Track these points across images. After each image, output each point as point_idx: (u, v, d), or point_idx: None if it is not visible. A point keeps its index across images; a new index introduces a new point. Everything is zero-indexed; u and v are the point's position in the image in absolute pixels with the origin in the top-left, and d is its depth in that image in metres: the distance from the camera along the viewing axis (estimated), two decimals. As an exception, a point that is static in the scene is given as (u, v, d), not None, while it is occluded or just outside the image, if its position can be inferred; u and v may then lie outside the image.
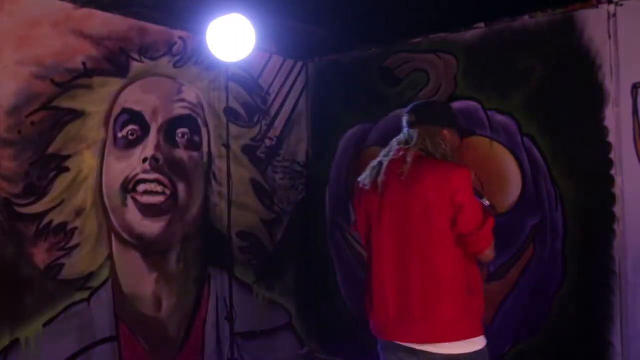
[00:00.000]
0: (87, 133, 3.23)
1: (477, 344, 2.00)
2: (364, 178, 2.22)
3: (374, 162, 2.23)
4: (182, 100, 3.74)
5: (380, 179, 2.13)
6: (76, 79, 3.18)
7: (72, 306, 3.12)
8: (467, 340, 1.98)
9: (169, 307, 3.59)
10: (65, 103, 3.13)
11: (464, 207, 1.96)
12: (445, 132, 2.17)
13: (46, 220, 3.03)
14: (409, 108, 2.27)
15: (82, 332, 3.16)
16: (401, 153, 2.13)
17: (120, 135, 3.39)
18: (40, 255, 3.00)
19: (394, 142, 2.22)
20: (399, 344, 2.04)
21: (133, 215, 3.44)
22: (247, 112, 4.16)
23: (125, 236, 3.40)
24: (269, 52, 4.29)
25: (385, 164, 2.16)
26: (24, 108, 2.95)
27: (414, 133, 2.16)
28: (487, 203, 2.16)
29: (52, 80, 3.07)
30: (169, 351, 3.61)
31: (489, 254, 2.04)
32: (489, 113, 3.59)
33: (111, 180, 3.34)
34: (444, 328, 1.97)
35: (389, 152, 2.20)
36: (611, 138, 3.12)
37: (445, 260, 2.00)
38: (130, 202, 3.42)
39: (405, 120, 2.22)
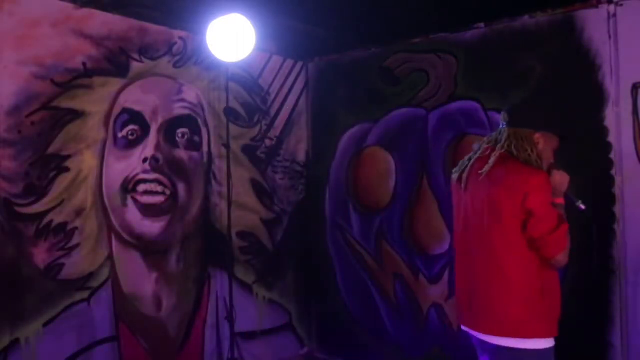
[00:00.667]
0: (87, 133, 3.23)
1: (543, 343, 2.07)
2: (455, 171, 2.32)
3: (466, 157, 2.30)
4: (182, 100, 3.73)
5: (465, 174, 2.22)
6: (76, 79, 3.18)
7: (72, 306, 3.12)
8: (532, 339, 2.05)
9: (169, 307, 3.59)
10: (65, 103, 3.13)
11: (534, 211, 2.01)
12: (537, 135, 2.18)
13: (46, 220, 3.03)
14: (508, 106, 2.32)
15: (82, 332, 3.16)
16: (487, 152, 2.19)
17: (120, 135, 3.39)
18: (40, 255, 3.00)
19: (485, 139, 2.28)
20: (472, 332, 2.17)
21: (133, 215, 3.44)
22: (247, 112, 4.16)
23: (125, 236, 3.40)
24: (269, 52, 4.28)
25: (472, 161, 2.23)
26: (24, 108, 2.95)
27: (504, 133, 2.20)
28: (582, 207, 2.20)
29: (52, 80, 3.07)
30: (169, 351, 3.61)
31: (560, 259, 2.07)
32: (489, 113, 3.59)
33: (111, 180, 3.34)
34: (510, 326, 2.04)
35: (479, 148, 2.26)
36: (611, 138, 3.12)
37: (515, 261, 2.05)
38: (130, 202, 3.42)
39: (501, 117, 2.26)
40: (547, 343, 2.08)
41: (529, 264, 2.06)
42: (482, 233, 2.12)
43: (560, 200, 2.18)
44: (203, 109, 3.87)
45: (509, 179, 2.07)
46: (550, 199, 2.08)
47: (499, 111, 3.48)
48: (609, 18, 3.14)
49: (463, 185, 2.22)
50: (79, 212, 3.17)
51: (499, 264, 2.06)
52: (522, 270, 2.05)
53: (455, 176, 2.29)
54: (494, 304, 2.07)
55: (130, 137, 3.44)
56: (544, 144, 2.20)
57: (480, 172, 2.13)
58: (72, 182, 3.15)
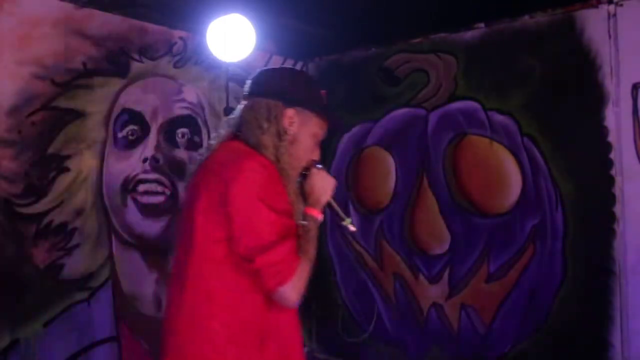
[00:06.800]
0: (87, 133, 3.23)
1: None
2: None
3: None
4: (182, 100, 3.73)
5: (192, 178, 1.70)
6: (76, 79, 3.17)
7: (72, 306, 3.12)
8: None
9: (169, 307, 3.59)
10: (65, 103, 3.13)
11: (232, 214, 1.44)
12: (291, 112, 1.57)
13: (46, 220, 3.03)
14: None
15: (82, 332, 3.16)
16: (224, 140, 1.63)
17: (120, 135, 3.39)
18: (40, 255, 3.00)
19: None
20: None
21: (133, 215, 3.43)
22: (247, 112, 4.15)
23: (125, 236, 3.40)
24: (269, 52, 4.28)
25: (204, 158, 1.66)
26: (24, 108, 2.95)
27: (241, 107, 1.61)
28: (352, 228, 1.66)
29: (52, 80, 3.07)
30: (169, 351, 3.60)
31: (285, 293, 1.54)
32: (489, 113, 3.59)
33: (111, 180, 3.34)
34: None
35: (217, 137, 1.68)
36: (611, 138, 3.12)
37: (217, 294, 1.59)
38: (130, 202, 3.42)
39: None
40: None
41: (240, 297, 1.49)
42: (182, 253, 1.54)
43: (317, 214, 1.63)
44: (203, 109, 3.86)
45: (213, 170, 1.47)
46: (265, 197, 1.44)
47: (499, 111, 3.55)
48: (609, 18, 3.14)
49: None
50: (79, 212, 3.17)
51: (194, 299, 1.49)
52: (227, 307, 1.49)
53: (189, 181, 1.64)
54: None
55: (130, 137, 3.43)
56: (300, 125, 1.57)
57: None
58: (72, 182, 3.15)
